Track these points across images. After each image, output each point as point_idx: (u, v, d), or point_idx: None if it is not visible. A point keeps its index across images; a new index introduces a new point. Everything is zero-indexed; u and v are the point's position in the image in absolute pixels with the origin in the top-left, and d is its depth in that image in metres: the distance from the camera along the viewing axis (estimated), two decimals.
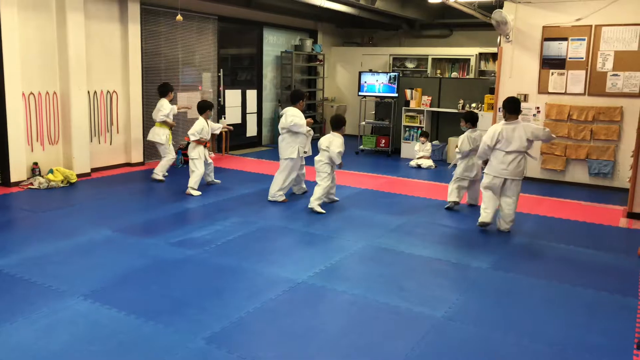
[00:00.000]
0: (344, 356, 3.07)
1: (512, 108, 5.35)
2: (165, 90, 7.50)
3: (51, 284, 3.88)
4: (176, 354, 3.00)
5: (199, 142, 6.78)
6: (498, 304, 3.84)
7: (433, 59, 11.67)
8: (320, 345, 3.17)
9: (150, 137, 7.48)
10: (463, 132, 6.30)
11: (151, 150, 8.71)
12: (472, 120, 6.25)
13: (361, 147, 10.34)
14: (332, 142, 6.08)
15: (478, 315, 3.61)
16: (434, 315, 3.57)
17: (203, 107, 6.94)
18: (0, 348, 3.03)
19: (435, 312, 3.62)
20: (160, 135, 7.35)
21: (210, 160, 7.09)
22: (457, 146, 6.25)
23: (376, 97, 10.42)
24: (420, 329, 3.39)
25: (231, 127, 8.32)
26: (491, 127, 5.47)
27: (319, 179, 6.12)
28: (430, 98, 9.87)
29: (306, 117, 6.45)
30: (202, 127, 6.76)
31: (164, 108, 7.36)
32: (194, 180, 6.67)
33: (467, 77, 11.11)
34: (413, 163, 9.12)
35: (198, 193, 6.64)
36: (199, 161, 6.74)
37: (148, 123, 8.56)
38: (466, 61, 11.31)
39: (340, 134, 6.19)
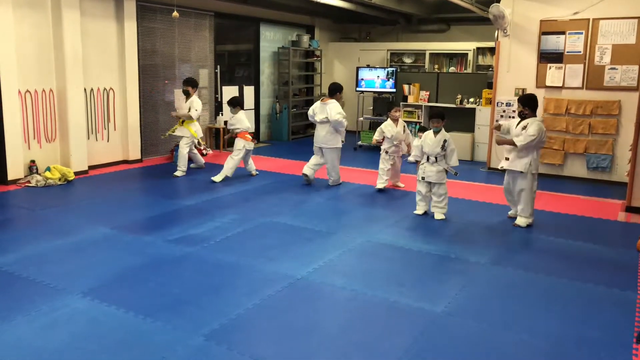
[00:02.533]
0: (343, 352, 3.07)
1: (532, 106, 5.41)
2: (195, 84, 7.80)
3: (49, 282, 3.87)
4: (175, 351, 3.00)
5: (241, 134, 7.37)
6: (497, 298, 3.84)
7: (431, 54, 11.65)
8: (320, 341, 3.17)
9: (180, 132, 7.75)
10: (448, 129, 5.89)
11: (149, 148, 8.70)
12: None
13: (359, 142, 10.33)
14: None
15: (477, 310, 3.61)
16: (433, 311, 3.57)
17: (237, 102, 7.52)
18: (0, 346, 3.03)
19: (435, 307, 3.62)
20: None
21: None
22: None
23: (374, 92, 10.41)
24: (419, 324, 3.39)
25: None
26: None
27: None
28: (428, 93, 9.86)
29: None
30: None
31: (198, 105, 7.65)
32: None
33: (465, 71, 11.10)
34: (411, 158, 9.09)
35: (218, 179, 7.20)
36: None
37: (145, 120, 8.55)
38: (464, 56, 11.29)
39: (391, 119, 6.77)
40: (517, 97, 5.60)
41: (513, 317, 3.52)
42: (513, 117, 7.95)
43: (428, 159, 5.67)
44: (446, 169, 5.63)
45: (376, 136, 6.88)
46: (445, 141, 5.59)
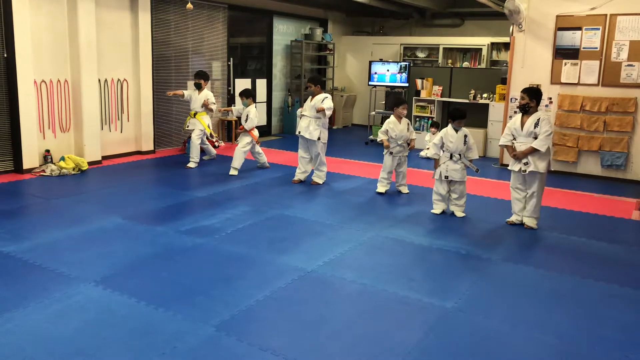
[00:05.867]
0: (352, 345, 3.07)
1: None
2: (207, 77, 7.86)
3: (63, 270, 3.92)
4: (186, 341, 3.03)
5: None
6: (508, 295, 3.82)
7: (444, 49, 11.56)
8: (329, 334, 3.18)
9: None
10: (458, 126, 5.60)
11: (162, 139, 8.75)
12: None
13: (371, 137, 10.30)
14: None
15: (488, 307, 3.60)
16: (444, 306, 3.56)
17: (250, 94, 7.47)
18: (13, 333, 3.07)
19: (445, 302, 3.61)
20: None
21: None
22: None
23: (386, 86, 10.37)
24: (429, 319, 3.39)
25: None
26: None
27: None
28: (441, 88, 9.79)
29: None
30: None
31: (214, 98, 7.82)
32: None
33: (479, 67, 11.01)
34: (423, 154, 9.08)
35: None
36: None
37: (158, 111, 8.60)
38: (478, 51, 11.20)
39: (396, 117, 6.40)
40: (524, 90, 5.19)
41: (524, 314, 3.50)
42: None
43: (451, 156, 5.54)
44: (468, 166, 5.55)
45: (382, 137, 6.37)
46: (466, 136, 5.51)
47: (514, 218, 5.42)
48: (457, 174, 5.52)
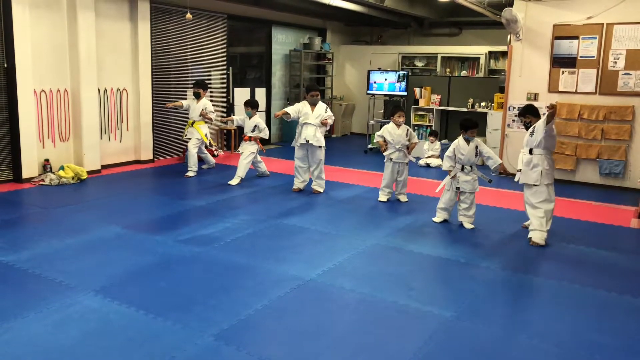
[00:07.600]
0: (351, 354, 3.07)
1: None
2: (206, 86, 7.93)
3: (62, 280, 3.91)
4: (185, 351, 3.02)
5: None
6: (507, 303, 3.82)
7: (442, 58, 11.63)
8: (328, 343, 3.18)
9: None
10: (458, 133, 5.66)
11: (161, 148, 8.76)
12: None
13: (370, 145, 10.33)
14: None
15: (487, 315, 3.60)
16: (443, 315, 3.56)
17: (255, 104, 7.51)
18: (12, 343, 3.06)
19: (444, 311, 3.61)
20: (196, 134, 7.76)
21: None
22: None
23: (385, 95, 10.40)
24: (428, 328, 3.39)
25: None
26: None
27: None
28: (439, 97, 9.83)
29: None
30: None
31: (212, 108, 7.87)
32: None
33: (477, 75, 11.06)
34: (422, 162, 9.10)
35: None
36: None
37: (158, 120, 8.62)
38: (476, 60, 11.26)
39: (394, 123, 6.36)
40: (518, 113, 5.17)
41: (524, 323, 3.50)
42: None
43: (462, 168, 5.51)
44: (481, 177, 5.51)
45: (379, 139, 6.42)
46: (477, 147, 5.49)
47: (527, 222, 5.39)
48: (468, 185, 5.48)
